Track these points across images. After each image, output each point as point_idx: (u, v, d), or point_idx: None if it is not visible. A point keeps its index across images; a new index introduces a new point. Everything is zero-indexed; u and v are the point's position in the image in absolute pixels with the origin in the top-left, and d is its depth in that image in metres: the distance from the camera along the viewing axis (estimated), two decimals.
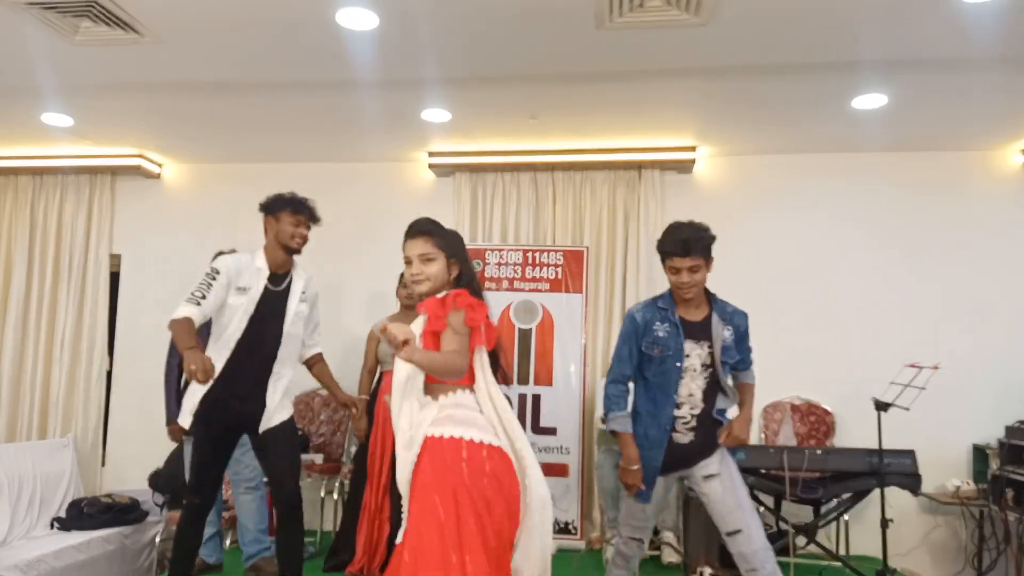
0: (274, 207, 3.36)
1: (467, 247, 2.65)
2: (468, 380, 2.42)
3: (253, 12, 3.47)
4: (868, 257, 5.16)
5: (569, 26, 3.55)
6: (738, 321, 3.02)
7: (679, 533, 4.44)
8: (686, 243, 2.84)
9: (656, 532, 4.53)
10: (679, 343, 2.94)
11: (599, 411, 4.66)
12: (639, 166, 5.35)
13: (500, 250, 5.14)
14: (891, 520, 3.87)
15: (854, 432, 4.79)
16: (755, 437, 4.92)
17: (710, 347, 2.95)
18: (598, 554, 4.55)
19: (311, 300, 3.48)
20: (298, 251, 3.37)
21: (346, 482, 4.73)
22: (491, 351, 2.52)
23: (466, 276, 2.49)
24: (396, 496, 2.79)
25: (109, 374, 5.77)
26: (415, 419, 2.35)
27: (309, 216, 3.38)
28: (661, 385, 2.97)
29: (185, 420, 3.23)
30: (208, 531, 4.09)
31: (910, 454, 3.93)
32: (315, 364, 3.62)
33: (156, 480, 4.76)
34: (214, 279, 3.19)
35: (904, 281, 5.11)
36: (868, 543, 4.54)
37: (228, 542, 4.52)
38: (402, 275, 4.06)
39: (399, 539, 2.30)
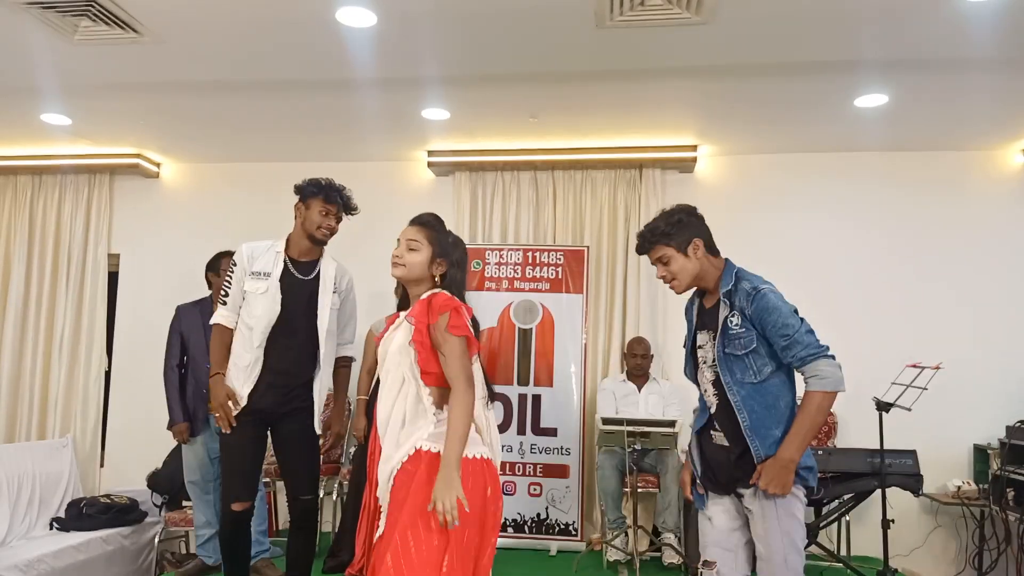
0: (306, 193, 3.22)
1: (467, 247, 2.63)
2: None
3: (252, 11, 3.46)
4: (869, 257, 5.15)
5: (569, 25, 3.54)
6: (741, 303, 2.46)
7: (680, 534, 4.43)
8: (639, 241, 2.63)
9: (657, 533, 4.52)
10: (693, 332, 2.67)
11: (599, 412, 4.67)
12: (640, 165, 5.34)
13: (500, 250, 5.13)
14: (892, 520, 3.87)
15: (855, 432, 4.78)
16: None
17: (715, 336, 2.56)
18: (598, 555, 4.54)
19: (345, 294, 3.34)
20: (323, 242, 3.26)
21: (345, 483, 4.72)
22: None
23: (451, 278, 2.44)
24: None
25: (108, 374, 5.76)
26: (407, 426, 2.31)
27: (343, 207, 3.24)
28: (695, 378, 2.69)
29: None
30: (208, 532, 4.09)
31: (911, 454, 3.92)
32: (340, 368, 3.44)
33: (155, 480, 4.75)
34: (231, 271, 3.17)
35: (905, 281, 5.10)
36: (869, 544, 4.54)
37: None
38: None
39: (377, 537, 2.29)
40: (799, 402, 2.42)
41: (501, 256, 5.11)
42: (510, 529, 4.77)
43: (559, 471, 4.84)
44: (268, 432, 3.24)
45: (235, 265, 3.18)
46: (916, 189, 5.17)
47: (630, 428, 4.09)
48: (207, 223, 5.66)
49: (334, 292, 3.26)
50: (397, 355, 2.35)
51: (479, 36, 3.69)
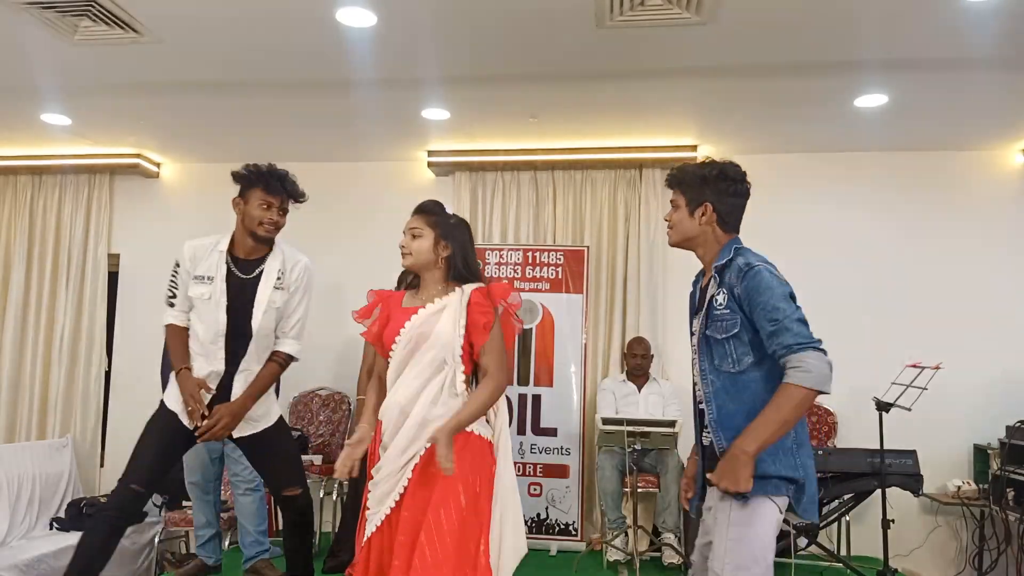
0: (242, 185, 2.96)
1: None
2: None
3: (252, 11, 3.46)
4: (869, 257, 5.15)
5: (569, 24, 3.53)
6: (731, 280, 2.18)
7: (680, 534, 4.43)
8: (670, 175, 2.40)
9: (657, 533, 4.52)
10: (690, 315, 2.39)
11: (599, 412, 4.66)
12: (640, 165, 5.34)
13: (500, 250, 5.13)
14: (892, 521, 3.87)
15: (855, 432, 4.78)
16: None
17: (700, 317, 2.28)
18: (598, 555, 4.54)
19: (293, 287, 3.01)
20: (268, 240, 2.97)
21: (345, 483, 4.71)
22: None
23: (459, 257, 2.48)
24: None
25: (107, 374, 5.76)
26: (437, 407, 2.36)
27: (288, 196, 2.94)
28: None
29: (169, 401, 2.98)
30: (208, 532, 4.08)
31: (911, 454, 3.93)
32: (269, 362, 3.02)
33: None
34: (176, 272, 3.00)
35: (905, 281, 5.09)
36: (869, 544, 4.53)
37: (227, 543, 4.50)
38: (401, 274, 4.05)
39: (378, 519, 2.35)
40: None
41: (501, 256, 5.11)
42: None
43: (559, 471, 4.84)
44: (187, 442, 3.03)
45: (178, 266, 2.99)
46: (916, 189, 5.16)
47: (630, 428, 4.09)
48: (207, 223, 5.55)
49: (277, 288, 2.96)
50: (442, 338, 2.38)
51: (479, 36, 3.68)
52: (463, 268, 2.48)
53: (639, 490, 4.32)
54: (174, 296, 2.97)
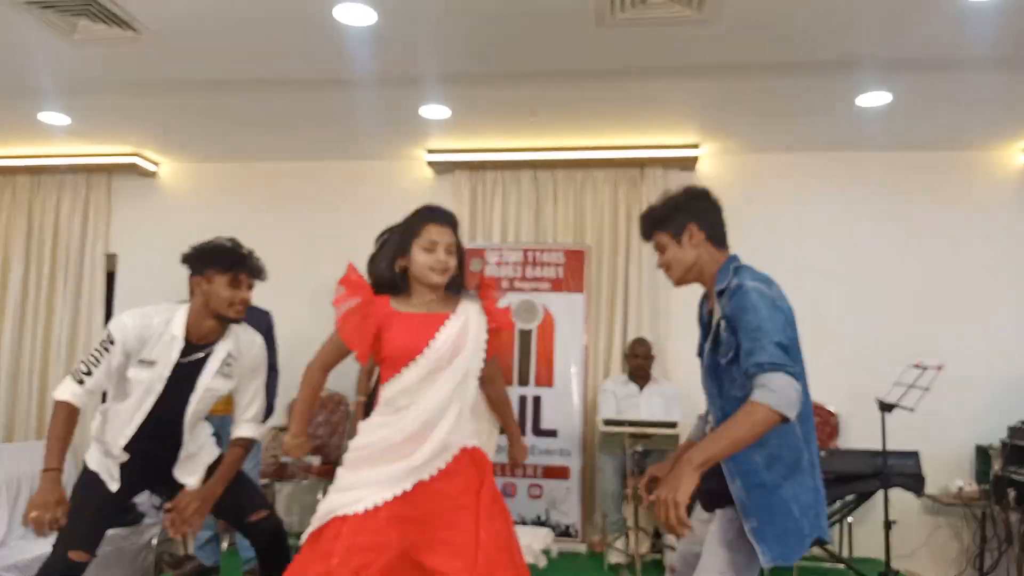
0: (201, 264, 2.65)
1: (466, 247, 2.62)
2: None
3: (250, 10, 3.44)
4: (870, 256, 5.13)
5: (570, 22, 3.52)
6: (725, 303, 2.15)
7: None
8: (640, 226, 2.39)
9: (658, 535, 4.50)
10: (700, 336, 2.38)
11: (600, 413, 4.65)
12: (641, 164, 5.31)
13: (500, 249, 5.11)
14: (894, 521, 3.85)
15: (858, 433, 4.76)
16: None
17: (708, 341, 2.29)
18: (599, 557, 4.53)
19: (241, 373, 2.70)
20: (237, 320, 2.65)
21: None
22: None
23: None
24: None
25: None
26: (463, 427, 2.29)
27: (251, 273, 2.68)
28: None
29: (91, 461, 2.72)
30: (206, 534, 4.07)
31: (914, 455, 3.91)
32: (233, 447, 2.74)
33: None
34: (107, 349, 2.54)
35: (907, 281, 5.08)
36: (871, 545, 4.52)
37: (225, 545, 4.49)
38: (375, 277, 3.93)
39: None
40: (796, 427, 2.07)
41: (501, 256, 5.09)
42: None
43: (560, 472, 4.82)
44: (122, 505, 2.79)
45: (111, 342, 2.53)
46: (918, 188, 5.14)
47: (631, 430, 4.08)
48: (205, 222, 5.57)
49: (221, 375, 2.64)
50: (471, 349, 2.30)
51: (479, 34, 3.67)
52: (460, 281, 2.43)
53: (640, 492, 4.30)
54: (89, 373, 2.54)
